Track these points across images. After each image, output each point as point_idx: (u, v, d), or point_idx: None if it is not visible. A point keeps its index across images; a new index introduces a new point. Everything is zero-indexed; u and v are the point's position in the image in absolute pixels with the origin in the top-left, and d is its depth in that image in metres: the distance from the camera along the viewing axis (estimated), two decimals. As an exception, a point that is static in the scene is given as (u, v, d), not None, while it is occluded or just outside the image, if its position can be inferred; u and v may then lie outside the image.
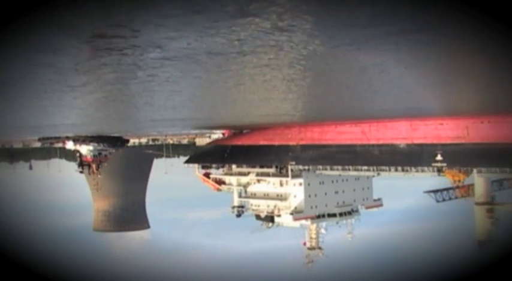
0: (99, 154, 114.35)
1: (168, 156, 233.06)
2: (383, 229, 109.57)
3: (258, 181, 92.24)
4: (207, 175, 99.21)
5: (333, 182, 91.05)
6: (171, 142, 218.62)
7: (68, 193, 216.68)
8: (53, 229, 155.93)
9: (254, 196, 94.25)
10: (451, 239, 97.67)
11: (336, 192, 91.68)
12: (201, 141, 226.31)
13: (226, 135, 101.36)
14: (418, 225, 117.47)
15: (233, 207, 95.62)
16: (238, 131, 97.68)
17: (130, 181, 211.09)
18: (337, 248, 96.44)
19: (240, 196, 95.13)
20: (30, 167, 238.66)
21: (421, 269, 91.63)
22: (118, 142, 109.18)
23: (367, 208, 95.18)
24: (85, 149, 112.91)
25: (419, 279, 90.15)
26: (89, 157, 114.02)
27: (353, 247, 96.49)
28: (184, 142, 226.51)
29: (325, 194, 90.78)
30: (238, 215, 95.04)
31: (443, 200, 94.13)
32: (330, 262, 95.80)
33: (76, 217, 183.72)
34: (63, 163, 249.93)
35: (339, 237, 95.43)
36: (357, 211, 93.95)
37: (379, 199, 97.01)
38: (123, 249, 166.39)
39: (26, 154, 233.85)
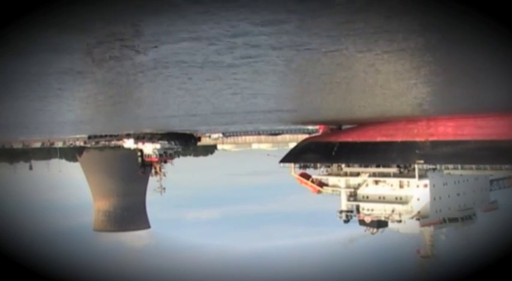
0: (165, 152, 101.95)
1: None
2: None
3: (376, 182, 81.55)
4: (305, 176, 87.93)
5: (455, 183, 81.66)
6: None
7: (69, 193, 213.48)
8: (53, 229, 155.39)
9: (366, 199, 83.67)
10: None
11: (458, 194, 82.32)
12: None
13: (321, 131, 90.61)
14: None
15: (341, 212, 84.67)
16: (336, 126, 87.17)
17: (130, 181, 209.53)
18: (452, 255, 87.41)
19: (348, 200, 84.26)
20: (30, 168, 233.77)
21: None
22: (191, 139, 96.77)
23: (484, 211, 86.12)
24: (150, 148, 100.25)
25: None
26: (154, 157, 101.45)
27: (468, 254, 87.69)
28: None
29: (448, 196, 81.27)
30: (347, 221, 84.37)
31: None
32: (444, 272, 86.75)
33: (77, 217, 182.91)
34: (63, 163, 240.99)
35: (451, 243, 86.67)
36: (475, 214, 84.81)
37: (495, 201, 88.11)
38: (124, 249, 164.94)
39: (26, 154, 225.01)
